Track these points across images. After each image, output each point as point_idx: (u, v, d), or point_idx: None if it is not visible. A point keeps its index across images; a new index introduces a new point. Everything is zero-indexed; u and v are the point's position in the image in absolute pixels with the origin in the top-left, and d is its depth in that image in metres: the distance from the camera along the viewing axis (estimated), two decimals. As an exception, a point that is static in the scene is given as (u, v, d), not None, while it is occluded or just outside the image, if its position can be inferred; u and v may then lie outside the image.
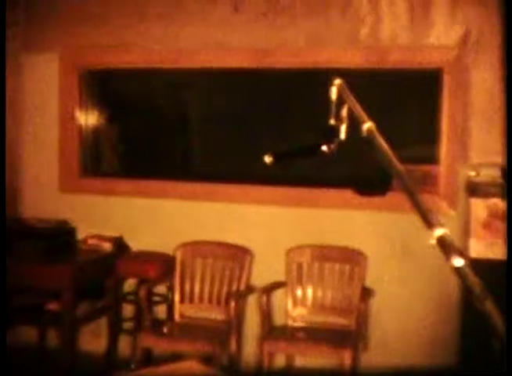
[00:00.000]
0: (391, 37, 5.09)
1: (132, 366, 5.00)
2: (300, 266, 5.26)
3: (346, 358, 4.72)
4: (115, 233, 5.74)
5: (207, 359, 4.67)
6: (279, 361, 5.17)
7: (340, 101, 2.18)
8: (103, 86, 6.17)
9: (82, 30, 5.80)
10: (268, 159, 2.34)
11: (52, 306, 5.47)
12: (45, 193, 6.02)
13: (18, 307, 5.59)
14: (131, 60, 5.76)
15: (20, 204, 6.07)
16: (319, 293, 5.23)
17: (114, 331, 5.68)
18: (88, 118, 6.08)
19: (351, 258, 5.15)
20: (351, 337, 4.94)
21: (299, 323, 5.22)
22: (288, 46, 5.31)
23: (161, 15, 5.59)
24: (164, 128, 6.04)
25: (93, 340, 5.82)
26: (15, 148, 6.00)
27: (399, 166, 1.72)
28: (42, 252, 5.35)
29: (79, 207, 5.92)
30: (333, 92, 2.21)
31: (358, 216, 5.23)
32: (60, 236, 5.61)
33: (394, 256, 5.17)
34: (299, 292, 5.25)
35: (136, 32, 5.66)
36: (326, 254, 5.22)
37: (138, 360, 4.98)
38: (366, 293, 5.05)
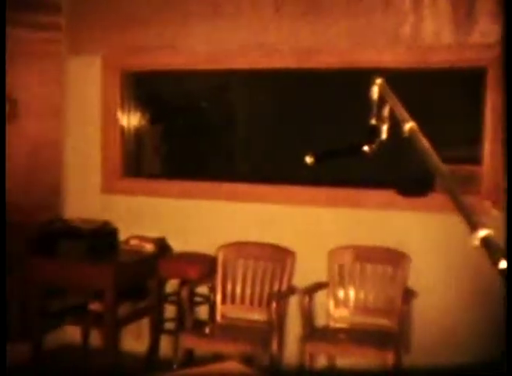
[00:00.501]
0: (433, 35, 5.04)
1: (174, 366, 5.01)
2: (342, 267, 5.24)
3: (388, 359, 4.68)
4: (157, 234, 5.76)
5: (248, 360, 4.66)
6: (321, 362, 5.15)
7: (382, 101, 2.16)
8: (146, 88, 6.21)
9: (125, 32, 5.83)
10: (309, 159, 2.32)
11: (95, 306, 5.51)
12: (88, 193, 6.07)
13: (62, 307, 5.64)
14: (173, 62, 5.78)
15: (64, 204, 6.12)
16: (361, 294, 5.20)
17: (156, 332, 5.71)
18: (131, 120, 6.11)
19: (394, 259, 5.11)
20: (393, 338, 4.91)
21: (341, 325, 5.19)
22: (330, 46, 5.28)
23: (204, 16, 5.59)
24: (207, 129, 6.05)
25: (135, 340, 5.85)
26: (58, 150, 6.06)
27: (442, 166, 1.70)
28: (85, 252, 5.39)
29: (121, 208, 5.96)
30: (375, 92, 2.19)
31: (401, 217, 5.18)
32: (103, 237, 5.65)
33: (438, 257, 5.11)
34: (341, 293, 5.22)
35: (179, 34, 5.67)
36: (368, 255, 5.19)
37: (180, 361, 4.99)
38: (409, 294, 5.01)
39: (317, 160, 2.34)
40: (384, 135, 2.17)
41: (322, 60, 5.33)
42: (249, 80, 5.82)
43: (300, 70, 5.44)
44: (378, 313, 5.13)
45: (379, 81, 2.19)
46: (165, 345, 5.68)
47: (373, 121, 2.18)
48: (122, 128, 6.07)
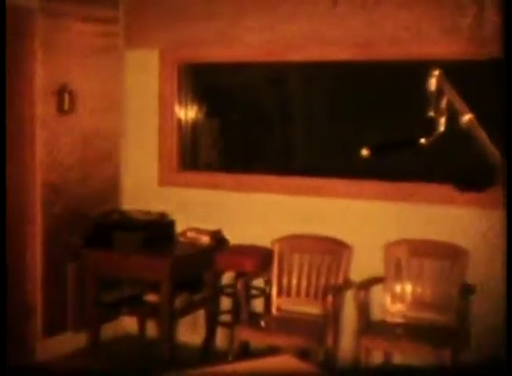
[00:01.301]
0: (492, 26, 4.94)
1: (229, 358, 5.02)
2: (398, 262, 5.18)
3: (446, 357, 4.61)
4: (214, 227, 5.78)
5: (303, 354, 4.64)
6: (377, 358, 5.11)
7: (440, 92, 2.12)
8: (203, 80, 6.22)
9: (182, 25, 5.85)
10: (365, 152, 2.30)
11: (151, 298, 5.55)
12: (145, 185, 6.11)
13: (118, 298, 5.69)
14: (230, 54, 5.78)
15: (121, 196, 6.18)
16: (418, 289, 5.13)
17: (212, 324, 5.72)
18: (188, 113, 6.13)
19: (452, 253, 5.03)
20: (451, 335, 4.84)
21: (397, 320, 5.14)
22: (386, 38, 5.22)
23: (260, 9, 5.58)
24: (264, 121, 6.04)
25: (191, 332, 5.87)
26: (116, 142, 6.11)
27: (500, 159, 1.66)
28: (141, 244, 5.43)
29: (178, 200, 5.99)
30: (432, 83, 2.15)
31: (458, 211, 5.10)
32: (159, 229, 5.68)
33: (495, 252, 5.02)
34: (397, 288, 5.17)
35: (235, 26, 5.67)
36: (425, 249, 5.12)
37: (235, 353, 4.99)
38: (467, 289, 4.93)
39: (373, 152, 2.31)
40: (441, 128, 2.13)
41: (378, 52, 5.27)
42: (305, 72, 5.79)
43: (356, 62, 5.39)
44: (435, 309, 5.06)
45: (437, 72, 2.15)
46: (221, 337, 5.69)
47: (431, 113, 2.14)
48: (179, 121, 6.09)
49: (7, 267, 5.34)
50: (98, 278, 5.60)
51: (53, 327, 5.68)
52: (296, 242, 5.45)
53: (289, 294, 5.41)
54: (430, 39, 5.11)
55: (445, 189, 4.96)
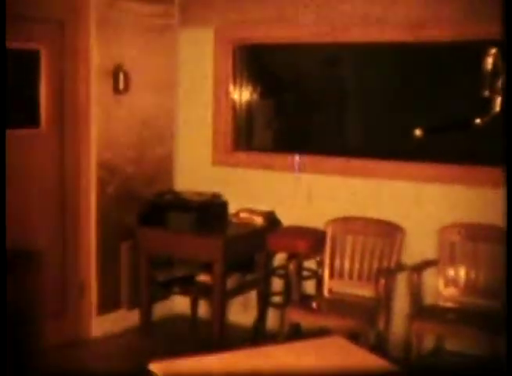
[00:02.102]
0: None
1: (280, 339, 5.02)
2: (452, 245, 5.12)
3: (499, 344, 4.54)
4: (267, 208, 5.77)
5: (354, 336, 4.62)
6: (429, 342, 5.07)
7: (495, 72, 2.08)
8: (258, 61, 6.20)
9: (237, 5, 5.84)
10: (418, 132, 2.27)
11: (203, 278, 5.58)
12: (199, 166, 6.13)
13: (170, 277, 5.74)
14: (285, 35, 5.75)
15: (175, 176, 6.21)
16: (472, 274, 5.07)
17: (263, 305, 5.73)
18: (242, 93, 6.13)
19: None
20: (505, 321, 4.75)
21: (450, 304, 5.08)
22: (441, 18, 5.13)
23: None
24: (318, 103, 6.00)
25: (242, 312, 5.89)
26: (170, 122, 6.13)
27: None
28: (194, 224, 5.45)
29: (232, 180, 5.99)
30: (489, 63, 2.11)
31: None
32: (213, 209, 5.69)
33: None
34: (451, 272, 5.11)
35: (290, 7, 5.63)
36: (479, 233, 5.05)
37: (286, 334, 5.00)
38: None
39: (427, 133, 2.28)
40: (497, 108, 2.08)
41: (433, 33, 5.18)
42: (360, 53, 5.73)
43: (410, 43, 5.31)
44: (489, 294, 4.98)
45: (493, 51, 2.10)
46: (272, 318, 5.70)
47: (486, 93, 2.10)
48: (233, 101, 6.09)
49: (64, 247, 5.43)
50: (151, 257, 5.64)
51: (107, 305, 5.75)
52: (349, 224, 5.42)
53: (341, 276, 5.39)
54: (485, 19, 5.01)
55: (499, 172, 4.87)
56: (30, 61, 5.16)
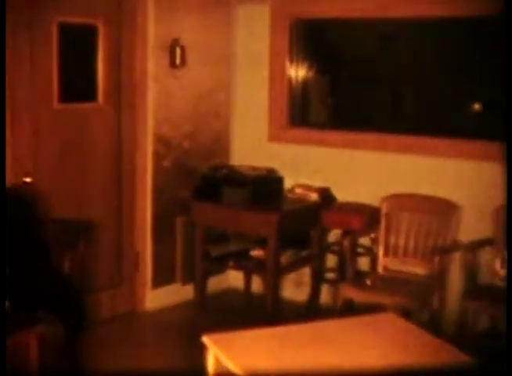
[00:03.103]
0: None
1: (333, 315, 5.02)
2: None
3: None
4: (322, 184, 5.76)
5: (407, 314, 4.60)
6: (483, 322, 5.01)
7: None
8: (314, 37, 6.16)
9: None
10: (477, 106, 2.23)
11: (258, 253, 5.58)
12: (255, 141, 6.14)
13: (224, 252, 5.76)
14: (341, 10, 5.70)
15: (230, 151, 6.22)
16: (530, 253, 4.99)
17: (317, 281, 5.74)
18: (298, 69, 6.10)
19: None
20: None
21: (506, 284, 5.02)
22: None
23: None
24: (374, 79, 5.95)
25: (296, 288, 5.91)
26: (227, 97, 6.14)
27: None
28: (249, 199, 5.45)
29: (287, 156, 5.99)
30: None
31: None
32: (268, 184, 5.69)
33: None
34: (507, 251, 5.04)
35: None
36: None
37: (339, 310, 4.99)
38: None
39: (485, 108, 2.24)
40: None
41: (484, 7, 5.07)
42: (417, 29, 5.65)
43: (466, 17, 5.21)
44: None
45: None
46: (325, 294, 5.70)
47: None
48: (289, 78, 6.07)
49: (120, 220, 5.50)
50: (206, 232, 5.67)
51: (162, 279, 5.82)
52: (404, 201, 5.38)
53: (396, 253, 5.35)
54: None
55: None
56: (88, 36, 5.21)
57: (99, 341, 4.96)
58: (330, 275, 5.75)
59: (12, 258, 3.56)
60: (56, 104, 5.02)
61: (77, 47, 5.20)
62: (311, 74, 6.16)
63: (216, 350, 3.25)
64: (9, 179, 4.71)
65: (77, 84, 5.24)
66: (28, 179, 4.83)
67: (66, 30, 5.00)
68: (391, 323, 3.86)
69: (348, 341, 3.49)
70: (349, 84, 6.13)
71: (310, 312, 5.62)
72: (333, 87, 6.22)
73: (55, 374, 3.56)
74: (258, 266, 5.57)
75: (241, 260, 5.71)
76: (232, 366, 3.06)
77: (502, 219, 5.02)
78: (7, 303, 3.40)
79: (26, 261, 3.57)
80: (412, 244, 5.31)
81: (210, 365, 3.37)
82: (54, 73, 4.97)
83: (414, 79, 5.88)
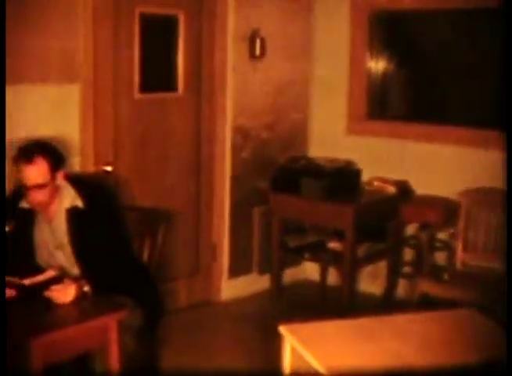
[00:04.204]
0: None
1: (409, 309, 4.97)
2: None
3: None
4: (400, 177, 5.71)
5: (485, 310, 4.53)
6: None
7: None
8: (393, 29, 6.10)
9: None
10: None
11: (334, 245, 5.57)
12: (333, 133, 6.12)
13: (301, 243, 5.77)
14: (421, 1, 5.64)
15: (308, 142, 6.22)
16: None
17: (393, 274, 5.70)
18: (377, 61, 6.06)
19: None
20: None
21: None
22: None
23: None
24: (453, 71, 5.85)
25: (372, 281, 5.88)
26: (305, 88, 6.13)
27: None
28: (327, 191, 5.44)
29: (365, 149, 5.95)
30: None
31: None
32: (346, 177, 5.66)
33: None
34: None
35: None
36: None
37: (415, 304, 4.95)
38: None
39: None
40: None
41: None
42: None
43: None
44: None
45: None
46: (401, 288, 5.66)
47: None
48: (369, 70, 6.03)
49: (198, 209, 5.55)
50: (283, 223, 5.69)
51: (238, 269, 5.85)
52: (483, 195, 5.28)
53: (475, 249, 5.27)
54: None
55: None
56: (169, 26, 5.26)
57: (175, 330, 5.02)
58: (407, 269, 5.71)
59: (94, 244, 3.62)
60: (137, 94, 5.09)
61: (158, 37, 5.26)
62: (389, 66, 6.10)
63: (293, 340, 3.25)
64: (91, 168, 4.81)
65: (157, 74, 5.30)
66: (109, 168, 4.91)
67: (147, 21, 5.07)
68: (469, 320, 3.80)
69: (426, 336, 3.45)
70: (428, 76, 6.04)
71: (386, 305, 5.59)
72: (411, 79, 6.14)
73: (131, 359, 3.61)
74: (335, 258, 5.56)
75: (318, 252, 5.71)
76: (309, 357, 3.06)
77: None
78: (87, 288, 3.47)
79: (107, 247, 3.62)
80: (492, 239, 5.22)
81: (286, 355, 3.37)
82: (135, 63, 5.03)
83: (492, 71, 5.76)
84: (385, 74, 6.13)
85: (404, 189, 5.65)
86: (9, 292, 3.42)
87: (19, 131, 4.29)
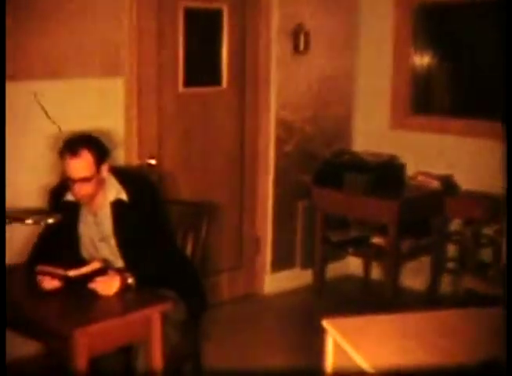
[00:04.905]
0: None
1: (454, 305, 4.94)
2: None
3: None
4: (444, 171, 5.66)
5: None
6: None
7: None
8: (438, 23, 6.03)
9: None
10: None
11: (377, 240, 5.55)
12: (377, 128, 6.08)
13: (344, 238, 5.75)
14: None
15: (352, 137, 6.19)
16: None
17: (437, 270, 5.65)
18: (422, 55, 6.00)
19: None
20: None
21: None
22: None
23: None
24: (499, 65, 5.77)
25: (415, 277, 5.83)
26: (349, 83, 6.10)
27: None
28: (370, 186, 5.41)
29: (409, 143, 5.91)
30: None
31: None
32: (389, 171, 5.63)
33: None
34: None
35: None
36: None
37: (460, 301, 4.90)
38: None
39: None
40: None
41: None
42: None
43: None
44: None
45: None
46: (445, 284, 5.61)
47: None
48: (413, 64, 5.98)
49: (241, 203, 5.56)
50: (326, 217, 5.67)
51: (281, 263, 5.85)
52: (531, 191, 5.22)
53: (521, 245, 5.21)
54: None
55: None
56: (213, 20, 5.27)
57: (217, 323, 5.03)
58: (451, 265, 5.66)
59: (139, 236, 3.64)
60: (181, 88, 5.11)
61: (202, 31, 5.27)
62: (434, 60, 6.04)
63: (335, 334, 3.24)
64: (135, 161, 4.84)
65: (201, 68, 5.31)
66: (153, 161, 4.94)
67: (191, 15, 5.08)
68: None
69: (473, 333, 3.41)
70: (472, 70, 5.97)
71: (429, 301, 5.55)
72: (456, 74, 6.08)
73: (174, 352, 3.63)
74: (378, 253, 5.54)
75: (361, 247, 5.69)
76: (352, 352, 3.05)
77: None
78: (131, 280, 3.49)
79: (151, 240, 3.64)
80: (540, 236, 5.15)
81: (329, 350, 3.36)
82: (179, 57, 5.05)
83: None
84: (429, 68, 6.07)
85: (448, 184, 5.60)
86: (54, 283, 3.47)
87: (63, 124, 4.34)
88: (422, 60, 6.02)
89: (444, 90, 6.22)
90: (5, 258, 4.03)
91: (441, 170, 5.66)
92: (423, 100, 6.14)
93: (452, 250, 5.65)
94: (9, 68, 4.15)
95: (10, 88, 4.18)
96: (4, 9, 3.80)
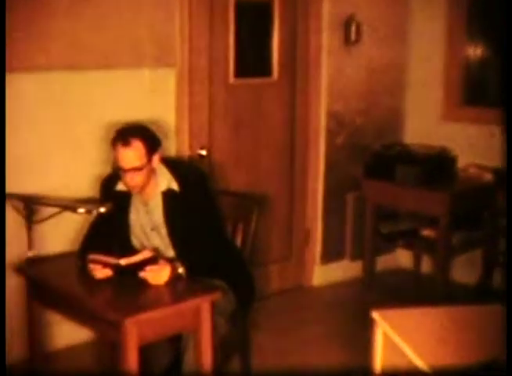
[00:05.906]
0: None
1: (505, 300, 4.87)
2: None
3: None
4: (497, 164, 5.59)
5: None
6: None
7: None
8: (492, 13, 5.95)
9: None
10: None
11: (428, 233, 5.50)
12: (429, 120, 6.03)
13: (394, 230, 5.71)
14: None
15: (403, 129, 6.14)
16: None
17: (489, 264, 5.58)
18: (475, 46, 5.93)
19: None
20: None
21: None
22: None
23: None
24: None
25: (466, 270, 5.77)
26: (401, 74, 6.06)
27: None
28: (421, 178, 5.36)
29: (461, 135, 5.84)
30: None
31: None
32: (441, 163, 5.57)
33: None
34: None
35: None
36: None
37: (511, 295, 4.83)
38: None
39: None
40: None
41: None
42: None
43: None
44: None
45: None
46: (498, 278, 5.54)
47: None
48: (466, 55, 5.91)
49: (292, 194, 5.55)
50: (376, 209, 5.64)
51: (331, 255, 5.84)
52: None
53: None
54: None
55: None
56: (263, 11, 5.26)
57: (267, 314, 5.05)
58: (503, 258, 5.58)
59: (190, 226, 3.66)
60: (232, 79, 5.11)
61: (253, 22, 5.26)
62: (487, 51, 5.96)
63: (385, 326, 3.22)
64: (186, 152, 4.87)
65: (252, 59, 5.31)
66: (204, 152, 4.96)
67: (242, 7, 5.08)
68: None
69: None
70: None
71: (481, 295, 5.48)
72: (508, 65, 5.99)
73: (223, 342, 3.64)
74: (428, 246, 5.49)
75: (411, 239, 5.65)
76: (402, 344, 3.03)
77: None
78: (182, 269, 3.51)
79: (202, 230, 3.66)
80: None
81: (378, 342, 3.34)
82: (230, 48, 5.06)
83: None
84: (482, 60, 5.99)
85: (501, 176, 5.52)
86: (106, 272, 3.50)
87: (115, 114, 4.38)
88: (475, 51, 5.94)
89: (496, 81, 6.14)
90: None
91: (494, 162, 5.59)
92: (475, 92, 6.07)
93: (504, 243, 5.58)
94: (67, 59, 4.21)
95: (67, 77, 4.25)
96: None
